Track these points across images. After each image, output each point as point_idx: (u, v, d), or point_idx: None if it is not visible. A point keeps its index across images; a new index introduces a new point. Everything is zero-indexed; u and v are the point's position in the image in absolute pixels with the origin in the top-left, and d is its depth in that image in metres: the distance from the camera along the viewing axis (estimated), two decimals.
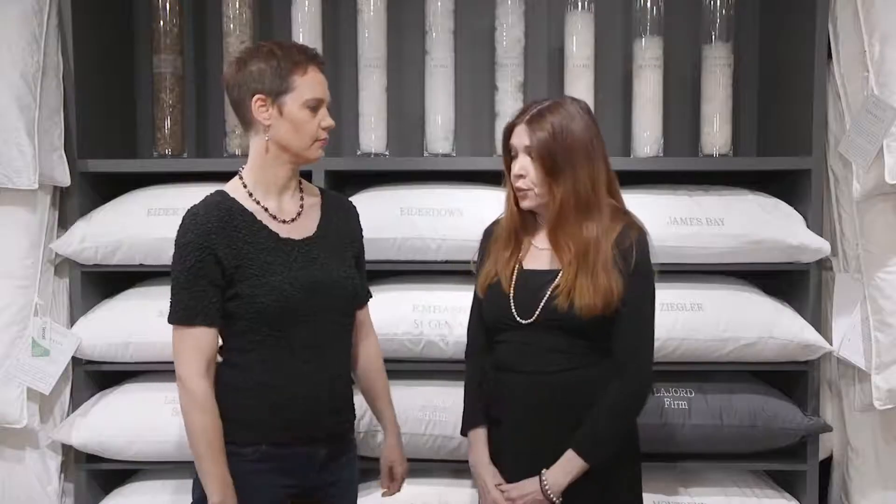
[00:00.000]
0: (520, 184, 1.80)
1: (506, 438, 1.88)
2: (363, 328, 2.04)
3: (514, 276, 1.85)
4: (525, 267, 1.86)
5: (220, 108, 2.81)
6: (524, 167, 1.79)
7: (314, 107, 1.77)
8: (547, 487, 1.78)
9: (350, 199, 2.06)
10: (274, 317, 1.75)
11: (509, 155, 1.85)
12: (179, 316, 1.73)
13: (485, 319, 1.92)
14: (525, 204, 1.83)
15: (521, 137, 1.80)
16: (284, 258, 1.78)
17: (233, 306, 1.75)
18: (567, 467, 1.77)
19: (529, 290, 1.82)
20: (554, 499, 1.77)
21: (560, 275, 1.79)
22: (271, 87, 1.74)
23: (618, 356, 1.79)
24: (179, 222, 1.77)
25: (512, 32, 2.69)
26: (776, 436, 2.46)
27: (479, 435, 1.93)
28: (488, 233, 1.98)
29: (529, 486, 1.80)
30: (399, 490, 2.08)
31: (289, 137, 1.77)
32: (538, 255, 1.87)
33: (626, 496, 1.89)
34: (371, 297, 2.08)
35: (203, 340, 1.73)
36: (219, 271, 1.72)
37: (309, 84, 1.76)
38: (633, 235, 1.78)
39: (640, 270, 1.78)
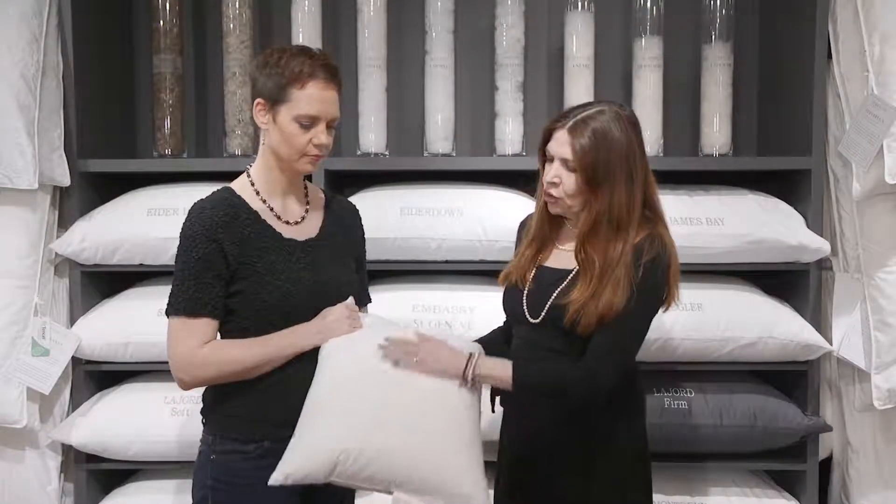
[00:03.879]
0: (552, 191, 1.77)
1: (509, 431, 1.90)
2: None
3: (533, 275, 1.85)
4: (543, 265, 1.85)
5: (220, 108, 2.80)
6: (559, 175, 1.75)
7: (306, 124, 1.75)
8: (473, 367, 1.72)
9: (350, 199, 2.05)
10: (276, 316, 1.75)
11: (545, 156, 1.80)
12: (184, 306, 1.72)
13: (504, 313, 1.93)
14: (554, 210, 1.81)
15: (560, 144, 1.74)
16: (287, 258, 1.78)
17: (235, 303, 1.76)
18: (496, 364, 1.74)
19: (541, 288, 1.82)
20: (470, 376, 1.72)
21: (570, 277, 1.78)
22: (270, 94, 1.75)
23: (587, 354, 1.72)
24: (183, 218, 1.77)
25: (512, 32, 2.69)
26: (776, 436, 2.46)
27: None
28: (523, 225, 1.97)
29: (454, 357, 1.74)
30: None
31: (277, 146, 1.78)
32: (558, 254, 1.86)
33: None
34: (370, 301, 2.07)
35: (204, 332, 1.73)
36: (224, 265, 1.73)
37: (305, 99, 1.74)
38: (651, 251, 1.72)
39: (645, 285, 1.71)
